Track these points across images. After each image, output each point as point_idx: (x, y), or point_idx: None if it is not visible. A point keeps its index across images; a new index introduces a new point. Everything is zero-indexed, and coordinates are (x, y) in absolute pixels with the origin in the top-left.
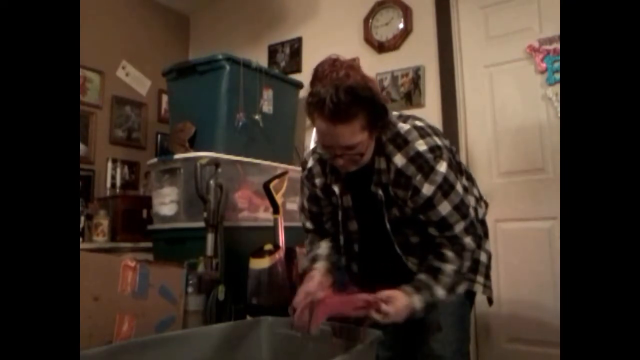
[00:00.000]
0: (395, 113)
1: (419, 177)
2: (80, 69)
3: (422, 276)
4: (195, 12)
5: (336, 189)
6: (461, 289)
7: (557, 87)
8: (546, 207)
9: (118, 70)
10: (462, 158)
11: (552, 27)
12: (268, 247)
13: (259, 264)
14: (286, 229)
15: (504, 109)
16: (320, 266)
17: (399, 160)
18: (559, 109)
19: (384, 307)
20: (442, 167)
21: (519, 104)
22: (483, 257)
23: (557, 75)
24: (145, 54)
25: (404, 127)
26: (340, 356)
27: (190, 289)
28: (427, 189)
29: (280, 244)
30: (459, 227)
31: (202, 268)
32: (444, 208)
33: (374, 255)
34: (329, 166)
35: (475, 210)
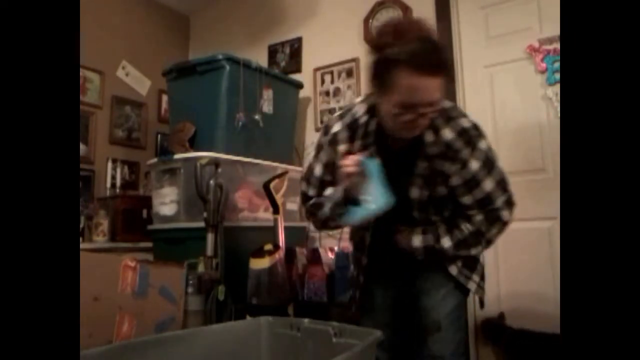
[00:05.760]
0: None
1: (466, 151)
2: (80, 69)
3: (440, 225)
4: (195, 12)
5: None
6: (474, 251)
7: (557, 87)
8: (546, 207)
9: (118, 70)
10: None
11: (552, 27)
12: (268, 247)
13: (259, 264)
14: (286, 229)
15: (504, 109)
16: None
17: (447, 133)
18: (559, 109)
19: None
20: (484, 144)
21: (519, 104)
22: (482, 258)
23: (557, 75)
24: (145, 54)
25: (445, 103)
26: (340, 356)
27: (190, 289)
28: (473, 165)
29: (280, 244)
30: (500, 201)
31: (202, 268)
32: (488, 185)
33: (388, 229)
34: (363, 132)
35: None
